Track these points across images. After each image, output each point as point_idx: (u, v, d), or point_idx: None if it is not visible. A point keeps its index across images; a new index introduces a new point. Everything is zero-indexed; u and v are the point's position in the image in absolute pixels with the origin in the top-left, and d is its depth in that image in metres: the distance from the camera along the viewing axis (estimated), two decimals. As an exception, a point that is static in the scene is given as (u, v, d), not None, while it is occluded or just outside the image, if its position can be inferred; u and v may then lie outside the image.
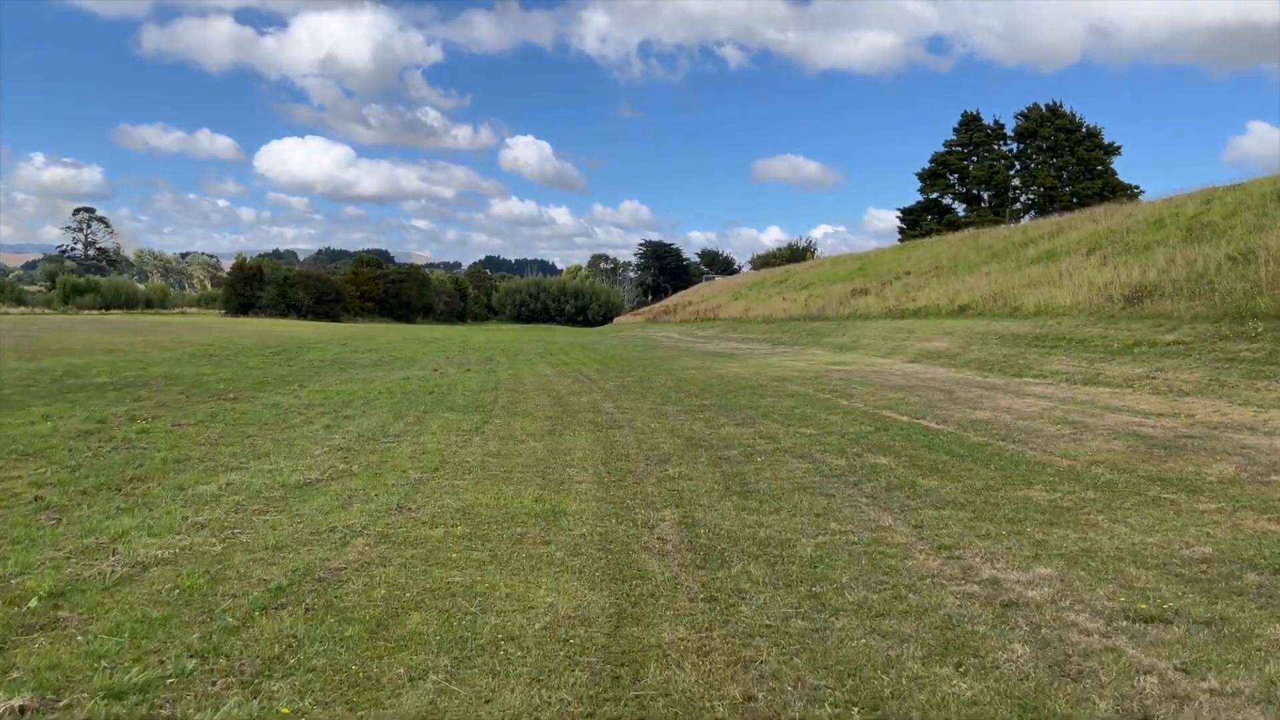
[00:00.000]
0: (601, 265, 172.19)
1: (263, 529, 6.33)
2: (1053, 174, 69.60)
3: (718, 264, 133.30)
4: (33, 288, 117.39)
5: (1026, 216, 68.36)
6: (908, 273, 38.67)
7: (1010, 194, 72.34)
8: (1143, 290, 19.61)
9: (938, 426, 11.52)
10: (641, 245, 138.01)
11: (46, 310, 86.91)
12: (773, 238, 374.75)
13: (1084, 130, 70.11)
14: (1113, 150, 70.15)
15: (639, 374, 21.41)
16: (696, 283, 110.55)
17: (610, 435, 11.43)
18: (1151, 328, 17.35)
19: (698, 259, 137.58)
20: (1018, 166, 73.10)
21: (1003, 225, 42.41)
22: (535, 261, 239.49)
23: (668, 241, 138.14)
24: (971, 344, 22.00)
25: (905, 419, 12.35)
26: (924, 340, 24.61)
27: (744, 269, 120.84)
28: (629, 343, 43.30)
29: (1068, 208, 57.80)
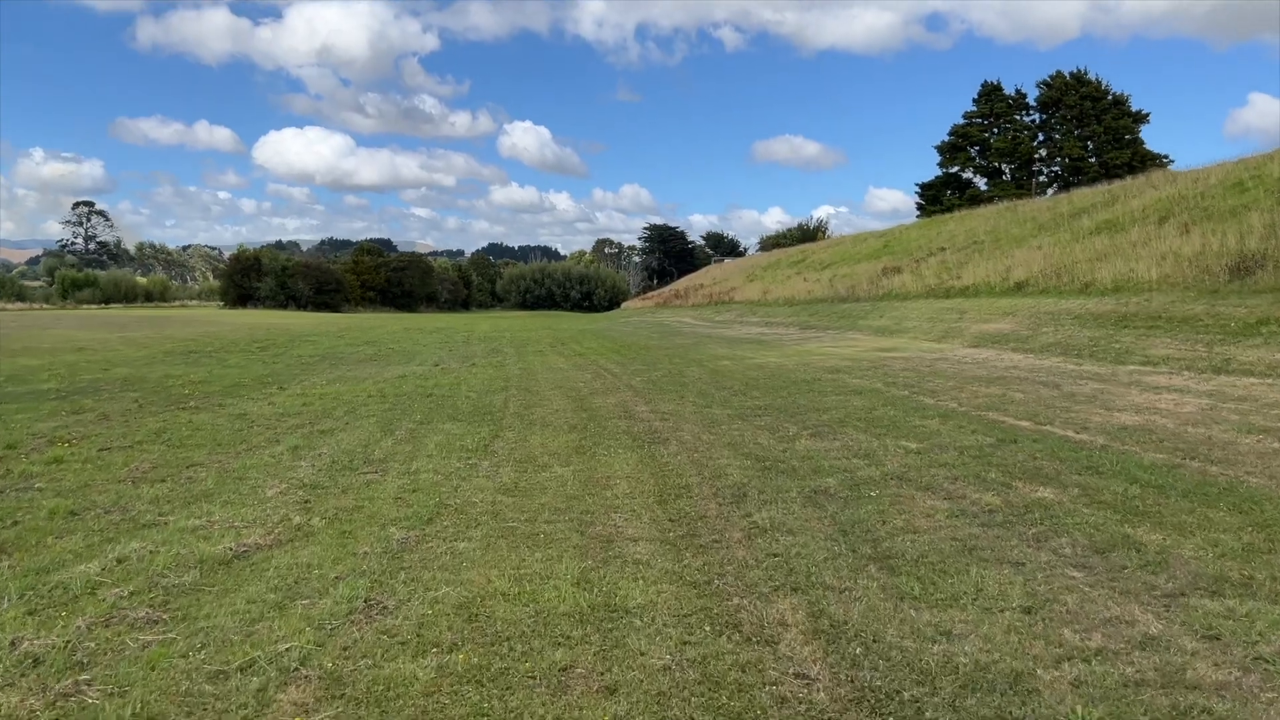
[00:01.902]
0: (606, 250, 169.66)
1: (129, 671, 3.79)
2: (1079, 144, 66.58)
3: (723, 246, 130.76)
4: (35, 283, 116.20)
5: (1051, 189, 65.53)
6: (942, 249, 36.00)
7: (1034, 166, 69.36)
8: (1248, 260, 16.97)
9: (1081, 437, 8.94)
10: (646, 229, 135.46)
11: (45, 306, 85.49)
12: (775, 219, 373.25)
13: (1110, 98, 67.08)
14: (1141, 118, 67.10)
15: (666, 366, 18.85)
16: (702, 266, 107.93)
17: (656, 454, 8.88)
18: (1274, 303, 14.73)
19: (702, 242, 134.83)
20: (1041, 137, 70.11)
21: (1042, 197, 39.62)
22: (538, 248, 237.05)
23: (671, 225, 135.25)
24: (1041, 325, 19.39)
25: (1027, 425, 9.78)
26: (981, 322, 22.00)
27: (750, 251, 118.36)
28: (643, 329, 40.71)
29: (1095, 179, 54.96)
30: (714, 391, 14.00)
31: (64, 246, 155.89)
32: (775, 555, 5.42)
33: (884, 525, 6.02)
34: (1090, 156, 66.65)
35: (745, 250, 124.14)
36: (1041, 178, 69.09)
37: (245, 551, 5.51)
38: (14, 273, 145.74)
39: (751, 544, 5.69)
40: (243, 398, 14.21)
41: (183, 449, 9.36)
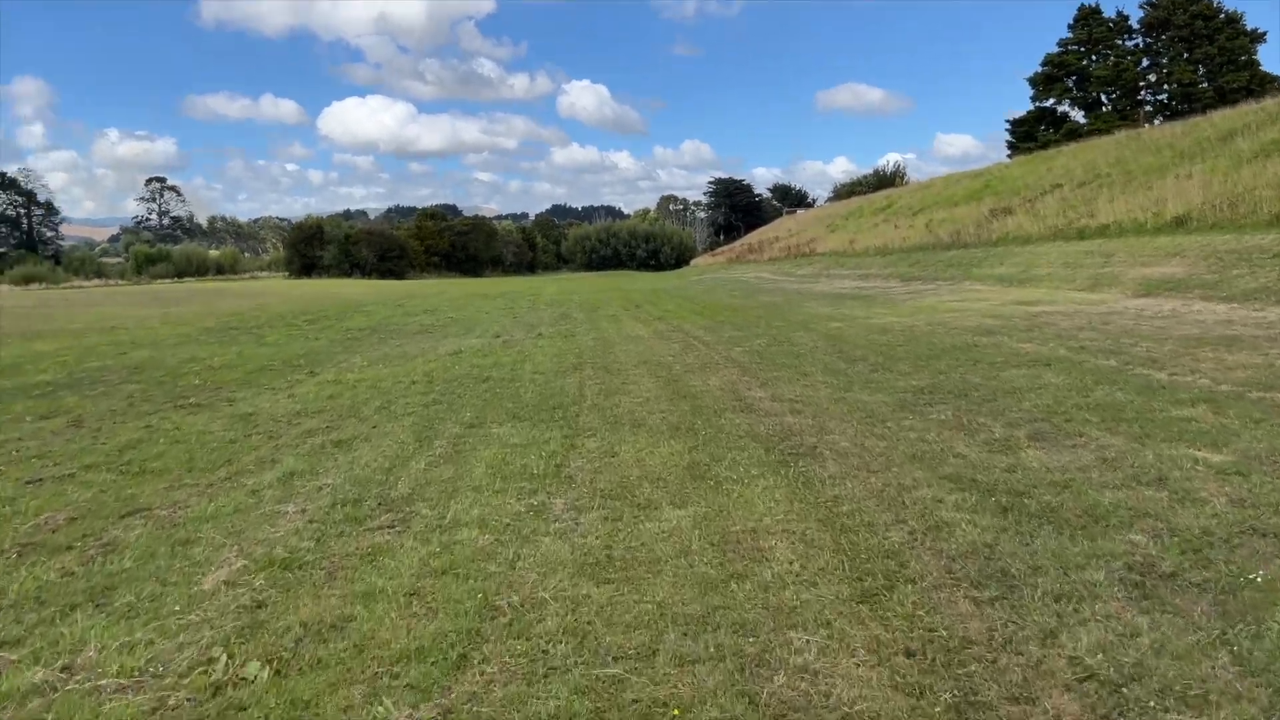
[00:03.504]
0: (671, 207, 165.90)
1: None
2: (1189, 68, 60.70)
3: (791, 198, 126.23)
4: (114, 260, 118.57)
5: (1157, 120, 59.95)
6: (1057, 185, 31.94)
7: (1139, 95, 63.64)
8: None
9: None
10: (711, 183, 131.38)
11: (120, 281, 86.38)
12: (840, 169, 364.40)
13: (1223, 16, 60.93)
14: (1258, 37, 60.82)
15: (766, 332, 15.78)
16: (770, 219, 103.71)
17: (811, 478, 5.90)
18: None
19: (769, 194, 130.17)
20: (1145, 63, 64.20)
21: (1172, 123, 35.01)
22: (602, 208, 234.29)
23: (736, 178, 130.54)
24: (1230, 268, 15.76)
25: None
26: (1140, 266, 18.38)
27: (819, 202, 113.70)
28: (721, 287, 37.53)
29: (1209, 106, 49.64)
30: (843, 366, 10.92)
31: (139, 223, 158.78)
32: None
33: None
34: (1202, 81, 60.79)
35: (814, 201, 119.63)
36: (1147, 107, 63.36)
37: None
38: (96, 250, 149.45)
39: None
40: (261, 388, 11.60)
41: (138, 478, 6.66)
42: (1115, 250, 20.57)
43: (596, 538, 4.87)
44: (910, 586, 4.00)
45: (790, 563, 4.37)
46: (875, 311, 18.29)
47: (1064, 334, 12.19)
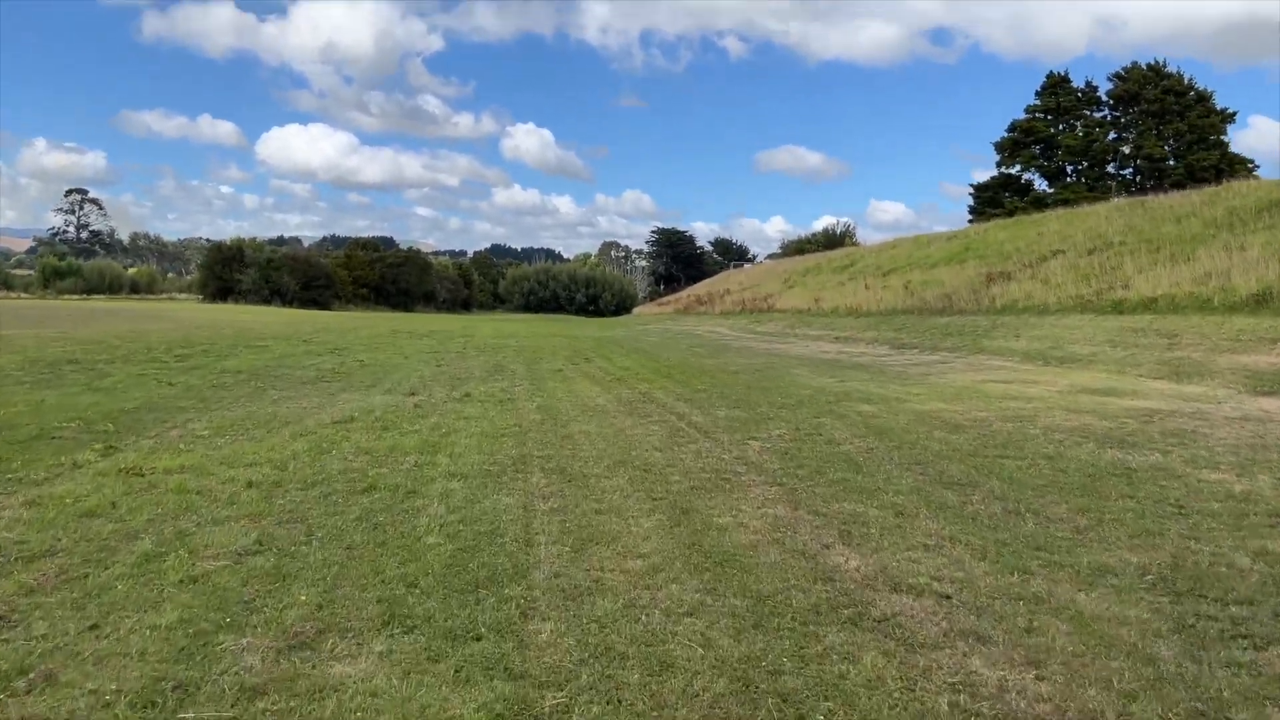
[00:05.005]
0: (613, 254, 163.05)
1: None
2: (1159, 143, 59.26)
3: (732, 253, 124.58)
4: (27, 271, 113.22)
5: (1120, 195, 58.30)
6: (1058, 252, 28.72)
7: (1106, 167, 62.03)
8: None
9: None
10: (654, 233, 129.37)
11: (25, 295, 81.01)
12: (776, 228, 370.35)
13: (1193, 94, 59.85)
14: (1228, 117, 59.85)
15: (770, 409, 11.61)
16: (711, 272, 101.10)
17: None
18: None
19: (710, 248, 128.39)
20: (1113, 135, 62.76)
21: (1185, 191, 32.11)
22: (541, 250, 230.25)
23: (679, 229, 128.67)
24: (1375, 363, 12.14)
25: None
26: (1227, 352, 14.73)
27: (760, 258, 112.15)
28: (677, 340, 33.44)
29: (1178, 183, 47.91)
30: (948, 495, 6.76)
31: (55, 235, 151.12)
32: None
33: None
34: (1169, 158, 59.40)
35: (755, 257, 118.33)
36: (1113, 181, 61.75)
37: None
38: (11, 261, 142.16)
39: None
40: (-4, 480, 6.98)
41: None
42: (1178, 330, 16.98)
43: None
44: None
45: None
46: (897, 390, 14.25)
47: (1246, 455, 8.22)
